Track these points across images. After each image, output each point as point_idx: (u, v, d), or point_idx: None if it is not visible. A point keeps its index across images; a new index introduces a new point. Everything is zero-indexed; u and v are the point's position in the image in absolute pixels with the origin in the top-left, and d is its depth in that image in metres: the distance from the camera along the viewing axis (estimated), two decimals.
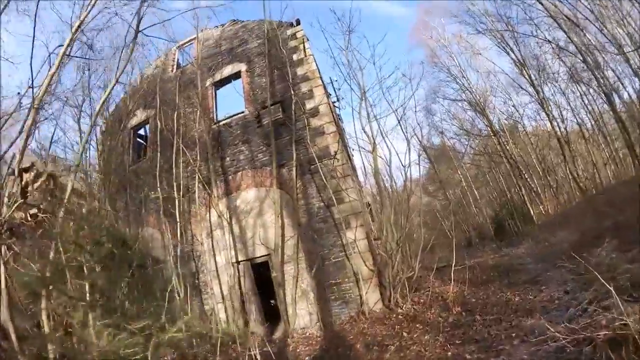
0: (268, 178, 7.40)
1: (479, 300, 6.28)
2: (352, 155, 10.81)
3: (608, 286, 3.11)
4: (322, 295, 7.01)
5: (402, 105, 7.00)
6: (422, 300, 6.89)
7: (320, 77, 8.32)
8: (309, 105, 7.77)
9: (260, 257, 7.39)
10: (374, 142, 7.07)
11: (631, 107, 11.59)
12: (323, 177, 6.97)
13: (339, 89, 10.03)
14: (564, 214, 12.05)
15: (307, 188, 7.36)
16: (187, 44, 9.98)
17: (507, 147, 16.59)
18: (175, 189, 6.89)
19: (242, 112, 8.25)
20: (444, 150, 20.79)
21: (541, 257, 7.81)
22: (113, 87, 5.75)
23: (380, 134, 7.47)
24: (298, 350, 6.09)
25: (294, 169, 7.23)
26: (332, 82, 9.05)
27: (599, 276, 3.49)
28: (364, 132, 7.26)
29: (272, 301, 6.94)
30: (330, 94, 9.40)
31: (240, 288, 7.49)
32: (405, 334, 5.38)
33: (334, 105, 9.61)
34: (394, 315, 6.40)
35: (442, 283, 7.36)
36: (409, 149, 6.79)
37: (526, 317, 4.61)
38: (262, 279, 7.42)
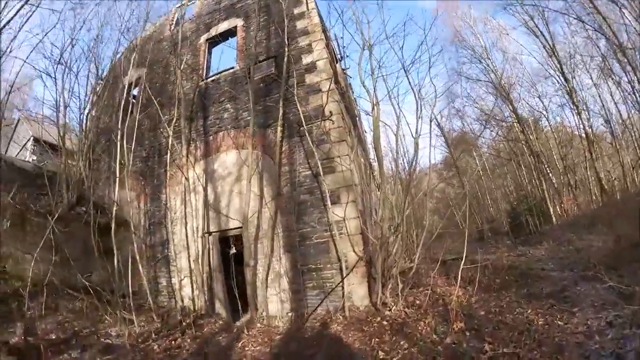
0: (250, 139, 6.41)
1: (489, 315, 4.74)
2: (365, 133, 9.57)
3: None
4: (297, 281, 5.86)
5: (414, 60, 5.59)
6: (417, 302, 5.49)
7: (325, 32, 7.25)
8: (306, 60, 6.71)
9: (233, 229, 6.39)
10: (376, 101, 5.80)
11: None
12: (310, 140, 5.85)
13: (345, 46, 8.86)
14: (589, 215, 10.27)
15: (294, 153, 6.26)
16: (187, 4, 9.37)
17: (531, 138, 14.73)
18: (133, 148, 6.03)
19: (232, 68, 7.36)
20: (463, 136, 18.93)
21: (567, 264, 6.26)
22: (21, 7, 4.93)
23: (387, 93, 6.12)
24: (247, 348, 4.94)
25: (279, 129, 6.18)
26: (336, 39, 7.89)
27: None
28: (364, 86, 6.00)
29: (236, 281, 5.92)
30: (340, 58, 8.26)
31: (209, 263, 6.55)
32: (382, 354, 4.02)
33: (344, 72, 8.46)
34: (378, 320, 5.03)
35: (446, 282, 5.93)
36: (419, 109, 5.36)
37: (555, 357, 3.20)
38: (229, 255, 6.41)
